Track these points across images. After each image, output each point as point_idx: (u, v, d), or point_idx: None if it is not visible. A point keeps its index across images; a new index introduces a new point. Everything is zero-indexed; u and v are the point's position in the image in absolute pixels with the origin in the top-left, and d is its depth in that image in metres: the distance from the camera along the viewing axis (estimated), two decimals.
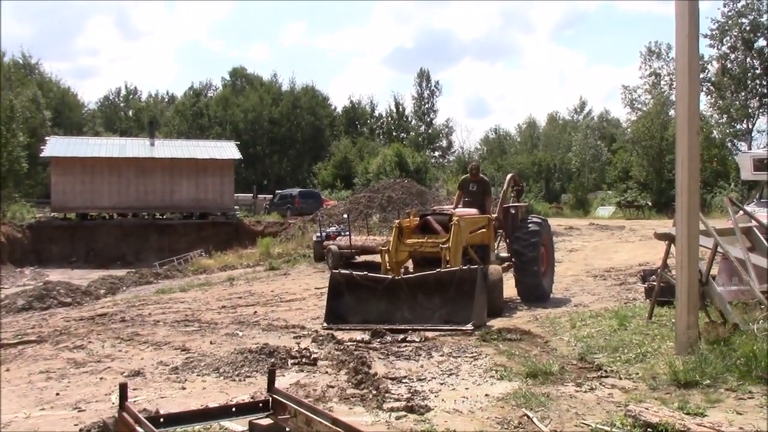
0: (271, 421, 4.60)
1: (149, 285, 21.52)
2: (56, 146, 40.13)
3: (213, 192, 40.62)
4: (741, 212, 10.93)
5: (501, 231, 13.66)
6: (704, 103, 49.05)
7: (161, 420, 4.40)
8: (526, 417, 5.88)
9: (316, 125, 75.65)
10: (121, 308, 14.61)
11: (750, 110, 49.19)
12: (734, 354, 6.96)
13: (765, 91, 48.65)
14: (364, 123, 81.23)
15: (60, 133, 52.65)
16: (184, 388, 7.27)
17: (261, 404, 4.75)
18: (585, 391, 6.68)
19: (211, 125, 73.36)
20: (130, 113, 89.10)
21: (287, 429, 4.62)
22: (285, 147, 72.34)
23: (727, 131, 50.76)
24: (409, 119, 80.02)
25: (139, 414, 4.13)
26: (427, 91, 78.77)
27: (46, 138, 42.98)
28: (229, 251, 29.63)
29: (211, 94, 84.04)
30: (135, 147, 41.90)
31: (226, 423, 5.36)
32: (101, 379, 7.87)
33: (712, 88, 49.10)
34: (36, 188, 51.23)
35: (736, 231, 9.42)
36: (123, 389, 4.25)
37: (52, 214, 39.01)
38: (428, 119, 79.11)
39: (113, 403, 6.48)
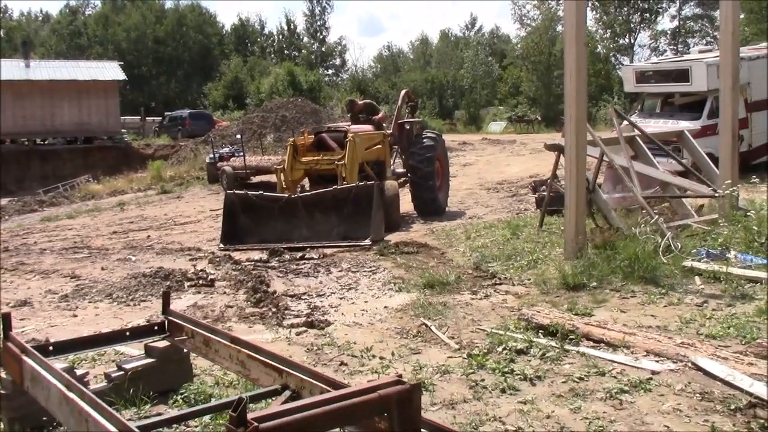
0: (168, 343, 4.52)
1: (33, 213, 20.49)
2: None
3: (97, 115, 38.68)
4: (625, 122, 11.34)
5: (396, 147, 13.70)
6: (589, 18, 50.06)
7: (50, 348, 4.24)
8: (424, 326, 6.01)
9: (204, 44, 72.72)
10: (3, 238, 13.89)
11: (632, 25, 50.73)
12: (618, 257, 7.30)
13: (646, 6, 50.15)
14: (255, 41, 78.75)
15: None
16: (75, 316, 7.04)
17: (157, 327, 4.65)
18: (480, 299, 6.88)
19: (91, 45, 69.33)
20: (1, 33, 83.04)
21: (185, 350, 4.55)
22: (172, 67, 69.40)
23: (611, 46, 52.33)
24: (301, 37, 78.16)
25: (25, 344, 3.94)
26: (319, 8, 76.96)
27: None
28: (118, 176, 28.52)
29: (90, 12, 79.23)
30: (9, 69, 39.10)
31: (121, 348, 5.23)
32: None
33: (597, 3, 50.17)
34: None
35: (620, 140, 9.77)
36: (6, 319, 4.05)
37: None
38: (321, 37, 77.49)
39: None
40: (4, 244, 12.73)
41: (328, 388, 3.09)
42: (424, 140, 13.29)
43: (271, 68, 60.38)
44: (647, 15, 50.33)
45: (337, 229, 10.59)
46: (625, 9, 50.22)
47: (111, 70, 41.15)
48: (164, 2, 76.94)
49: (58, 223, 16.09)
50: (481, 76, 58.14)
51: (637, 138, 10.33)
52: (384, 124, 13.89)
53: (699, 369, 4.62)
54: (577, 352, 5.12)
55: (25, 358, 3.77)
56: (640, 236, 7.78)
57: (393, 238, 10.63)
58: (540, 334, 5.53)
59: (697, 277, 6.98)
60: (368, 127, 12.87)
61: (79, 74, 39.52)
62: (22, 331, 6.22)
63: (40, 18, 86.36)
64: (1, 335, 4.09)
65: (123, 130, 41.49)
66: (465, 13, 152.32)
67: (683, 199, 9.74)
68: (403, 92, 14.63)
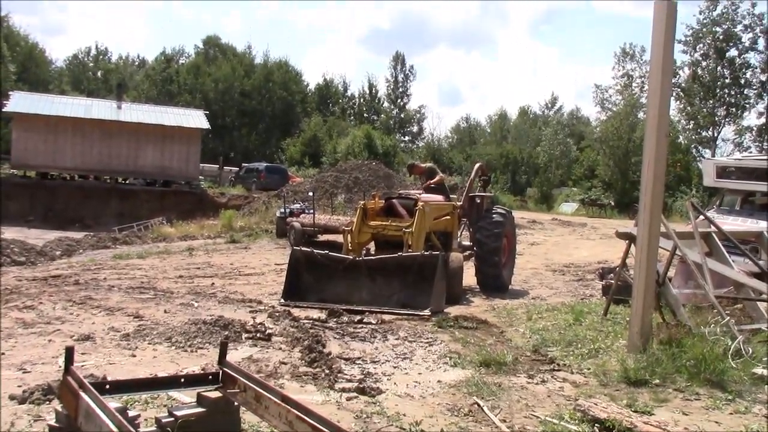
0: (220, 395, 4.54)
1: (107, 249, 21.14)
2: (20, 102, 39.14)
3: (178, 160, 40.05)
4: (701, 217, 11.08)
5: (465, 219, 13.69)
6: (673, 108, 49.71)
7: (107, 386, 4.31)
8: (476, 405, 5.89)
9: (288, 100, 74.96)
10: (75, 271, 14.35)
11: (716, 118, 50.02)
12: (684, 355, 7.05)
13: (732, 100, 49.45)
14: (336, 102, 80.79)
15: (25, 88, 51.45)
16: (134, 356, 7.15)
17: (211, 376, 4.68)
18: (536, 383, 6.72)
19: (181, 92, 72.29)
20: (99, 74, 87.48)
21: (236, 403, 4.56)
22: (254, 120, 71.63)
23: (693, 137, 51.65)
24: (382, 102, 79.82)
25: (83, 379, 4.03)
26: (402, 75, 78.68)
27: (10, 92, 41.92)
28: (190, 221, 29.28)
29: (183, 61, 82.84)
30: (101, 108, 41.11)
31: (174, 393, 5.28)
32: (50, 341, 7.71)
33: (681, 93, 49.78)
34: None
35: (695, 235, 9.53)
36: (69, 353, 4.15)
37: (12, 170, 38.14)
38: (401, 103, 79.04)
39: (60, 367, 6.33)
40: (75, 277, 13.14)
41: None
42: (494, 215, 13.27)
43: (350, 129, 61.64)
44: (733, 110, 49.58)
45: (398, 296, 10.54)
46: (711, 102, 49.63)
47: (196, 118, 42.70)
48: (254, 56, 79.99)
49: (128, 262, 16.53)
50: (557, 156, 58.09)
51: (713, 234, 10.06)
52: (447, 186, 14.00)
53: None
54: None
55: (82, 393, 3.85)
56: (708, 336, 7.51)
57: (453, 311, 10.53)
58: (596, 427, 5.35)
59: (767, 386, 6.67)
60: (439, 197, 12.93)
61: (165, 119, 41.12)
62: (82, 366, 6.36)
63: (137, 63, 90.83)
64: (64, 368, 4.18)
65: (200, 177, 42.73)
66: (546, 91, 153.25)
67: (758, 303, 9.38)
68: (477, 165, 14.69)
